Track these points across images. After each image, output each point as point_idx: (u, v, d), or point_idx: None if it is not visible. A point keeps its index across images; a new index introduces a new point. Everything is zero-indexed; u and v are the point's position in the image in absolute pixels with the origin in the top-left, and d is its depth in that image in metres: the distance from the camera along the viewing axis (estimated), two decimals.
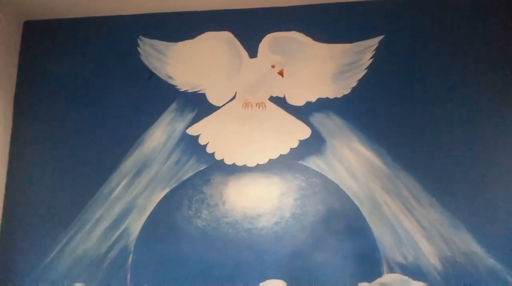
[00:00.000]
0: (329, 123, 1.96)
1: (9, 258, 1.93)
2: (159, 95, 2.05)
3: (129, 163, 1.98)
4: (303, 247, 1.84)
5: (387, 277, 1.78)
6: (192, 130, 2.00)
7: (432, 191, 1.83)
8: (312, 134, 1.95)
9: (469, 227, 1.78)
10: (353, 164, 1.91)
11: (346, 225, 1.85)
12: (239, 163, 1.95)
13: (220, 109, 2.03)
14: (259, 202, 1.91)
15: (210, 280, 1.83)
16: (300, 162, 1.94)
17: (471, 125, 1.90)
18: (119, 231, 1.91)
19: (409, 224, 1.82)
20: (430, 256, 1.78)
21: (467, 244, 1.78)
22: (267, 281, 1.82)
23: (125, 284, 1.86)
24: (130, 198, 1.95)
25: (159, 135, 2.00)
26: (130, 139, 2.01)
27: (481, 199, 1.82)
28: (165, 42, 2.11)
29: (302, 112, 1.98)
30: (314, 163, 1.93)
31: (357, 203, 1.87)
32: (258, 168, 1.94)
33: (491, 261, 1.76)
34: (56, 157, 2.04)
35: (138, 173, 1.97)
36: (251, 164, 1.95)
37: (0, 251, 1.94)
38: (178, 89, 2.05)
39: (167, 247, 1.88)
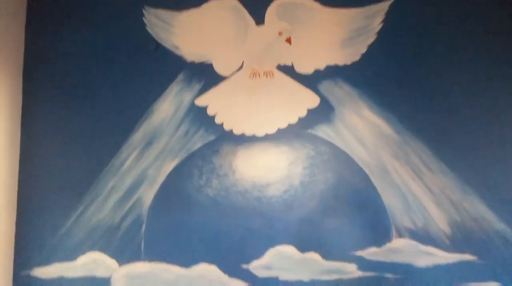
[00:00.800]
0: (338, 91, 1.93)
1: (26, 229, 2.00)
2: (165, 67, 2.03)
3: (138, 135, 2.00)
4: (312, 214, 1.87)
5: (396, 242, 1.80)
6: (200, 101, 1.99)
7: (442, 156, 1.82)
8: (320, 103, 1.93)
9: (479, 192, 1.78)
10: (362, 131, 1.89)
11: (355, 192, 1.86)
12: (248, 133, 1.95)
13: (228, 79, 2.01)
14: (268, 171, 1.93)
15: (221, 246, 1.88)
16: (309, 130, 1.93)
17: (483, 90, 1.86)
18: (131, 201, 1.96)
19: (419, 190, 1.82)
20: (439, 221, 1.79)
21: (477, 209, 1.78)
22: (277, 247, 1.86)
23: (139, 252, 1.92)
24: (141, 169, 1.98)
25: (167, 107, 2.00)
26: (139, 111, 2.01)
27: (492, 164, 1.80)
28: (170, 12, 2.07)
29: (310, 81, 1.95)
30: (323, 131, 1.92)
31: (366, 170, 1.87)
32: (267, 138, 1.94)
33: (501, 226, 1.76)
34: (66, 131, 2.05)
35: (147, 145, 1.99)
36: (259, 133, 1.95)
37: (17, 222, 2.01)
38: (185, 60, 2.03)
39: (179, 216, 1.92)
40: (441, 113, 1.86)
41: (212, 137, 1.96)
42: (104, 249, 1.95)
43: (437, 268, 1.76)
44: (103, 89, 2.06)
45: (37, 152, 2.06)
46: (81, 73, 2.10)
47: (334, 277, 1.81)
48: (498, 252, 1.75)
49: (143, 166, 1.98)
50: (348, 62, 1.94)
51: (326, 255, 1.83)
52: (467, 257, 1.76)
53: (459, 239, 1.77)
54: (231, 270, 1.87)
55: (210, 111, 1.98)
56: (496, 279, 1.74)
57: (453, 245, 1.77)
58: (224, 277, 1.87)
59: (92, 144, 2.02)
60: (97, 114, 2.05)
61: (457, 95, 1.87)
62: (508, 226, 1.76)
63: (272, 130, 1.94)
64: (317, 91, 1.94)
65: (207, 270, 1.88)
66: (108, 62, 2.09)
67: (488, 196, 1.78)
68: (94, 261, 1.94)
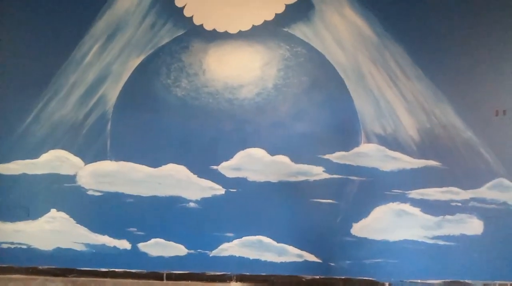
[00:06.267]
0: None
1: None
2: None
3: (100, 25, 1.82)
4: (284, 118, 1.83)
5: (363, 147, 1.81)
6: None
7: (419, 62, 1.77)
8: None
9: (451, 99, 1.78)
10: (342, 32, 1.79)
11: (328, 96, 1.81)
12: (220, 29, 1.81)
13: None
14: (241, 71, 1.83)
15: (190, 148, 1.85)
16: (286, 29, 1.80)
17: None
18: (95, 98, 1.85)
19: (392, 96, 1.79)
20: (409, 128, 1.80)
21: (448, 116, 1.79)
22: (247, 149, 1.85)
23: (105, 150, 1.87)
24: (104, 64, 1.84)
25: None
26: None
27: (467, 72, 1.78)
28: None
29: None
30: (300, 30, 1.80)
31: (342, 74, 1.80)
32: (240, 35, 1.81)
33: (468, 134, 1.79)
34: (21, 22, 1.86)
35: (110, 37, 1.83)
36: (232, 30, 1.81)
37: None
38: None
39: (147, 115, 1.85)
40: (423, 18, 1.77)
41: (181, 32, 1.81)
42: (68, 147, 1.88)
43: (402, 173, 1.81)
44: None
45: None
46: None
47: (301, 178, 1.84)
48: (461, 158, 1.80)
49: (106, 61, 1.84)
50: None
51: (295, 158, 1.84)
52: (432, 163, 1.80)
53: (426, 145, 1.80)
54: (200, 170, 1.87)
55: (178, 3, 1.80)
56: (456, 184, 1.82)
57: (420, 151, 1.80)
58: (193, 177, 1.87)
59: (50, 35, 1.84)
60: (55, 1, 1.84)
61: (443, 2, 1.77)
62: (475, 134, 1.79)
63: (246, 27, 1.80)
64: None
65: (175, 170, 1.87)
66: None
67: (459, 104, 1.78)
68: (58, 159, 1.89)
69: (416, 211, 1.83)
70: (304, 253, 1.90)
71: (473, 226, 1.86)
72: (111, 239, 1.93)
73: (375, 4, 1.76)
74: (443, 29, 1.77)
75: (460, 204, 1.84)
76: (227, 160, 1.86)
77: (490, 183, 1.82)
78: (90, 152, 1.88)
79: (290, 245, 1.90)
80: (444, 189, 1.82)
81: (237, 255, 1.91)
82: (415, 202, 1.83)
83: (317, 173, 1.84)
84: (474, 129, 1.78)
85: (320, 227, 1.88)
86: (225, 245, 1.91)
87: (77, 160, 1.89)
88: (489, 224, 1.83)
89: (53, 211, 1.93)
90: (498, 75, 1.78)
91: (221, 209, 1.88)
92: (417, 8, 1.76)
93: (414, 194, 1.83)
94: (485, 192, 1.83)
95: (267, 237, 1.90)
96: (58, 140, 1.87)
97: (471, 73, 1.78)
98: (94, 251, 1.94)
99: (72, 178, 1.90)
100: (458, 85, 1.77)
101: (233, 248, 1.91)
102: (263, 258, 1.91)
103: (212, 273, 1.92)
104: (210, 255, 1.91)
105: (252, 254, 1.91)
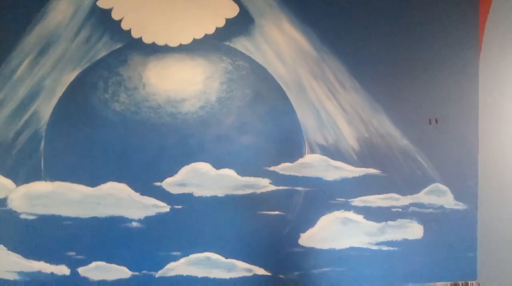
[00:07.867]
0: (258, 1, 1.80)
1: None
2: None
3: (31, 39, 1.72)
4: (228, 131, 1.82)
5: (307, 157, 1.84)
6: (103, 3, 1.74)
7: (356, 75, 1.84)
8: (240, 13, 1.79)
9: (387, 110, 1.86)
10: (281, 46, 1.82)
11: (271, 108, 1.83)
12: (160, 42, 1.78)
13: None
14: (183, 85, 1.81)
15: (131, 164, 1.79)
16: (227, 43, 1.81)
17: (402, 13, 1.86)
18: (27, 115, 1.74)
19: (332, 108, 1.84)
20: (349, 138, 1.86)
21: (384, 126, 1.86)
22: (192, 164, 1.82)
23: (39, 170, 1.75)
24: (36, 79, 1.74)
25: (65, 7, 1.72)
26: (30, 11, 1.72)
27: (401, 83, 1.87)
28: None
29: None
30: (241, 44, 1.81)
31: (284, 87, 1.83)
32: (182, 48, 1.79)
33: (404, 142, 1.88)
34: None
35: (42, 51, 1.73)
36: (173, 43, 1.79)
37: None
38: None
39: (83, 132, 1.76)
40: (359, 31, 1.84)
41: (118, 45, 1.76)
42: None
43: (344, 181, 1.86)
44: None
45: None
46: None
47: (248, 191, 1.83)
48: (399, 165, 1.88)
49: (38, 76, 1.74)
50: None
51: (241, 171, 1.83)
52: (372, 171, 1.87)
53: (366, 154, 1.86)
54: (143, 188, 1.80)
55: (115, 15, 1.75)
56: (395, 191, 1.89)
57: (360, 160, 1.86)
58: (135, 195, 1.80)
59: None
60: None
61: (378, 15, 1.85)
62: (410, 142, 1.87)
63: (187, 40, 1.78)
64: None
65: (116, 189, 1.79)
66: None
67: (395, 114, 1.86)
68: None
69: (359, 218, 1.88)
70: (253, 267, 1.88)
71: (414, 231, 1.93)
72: (47, 265, 1.80)
73: (312, 19, 1.81)
74: (377, 43, 1.85)
75: (400, 210, 1.91)
76: (171, 175, 1.81)
77: (427, 188, 1.92)
78: (22, 173, 1.75)
79: (239, 260, 1.87)
80: (385, 195, 1.89)
81: (185, 274, 1.85)
82: (358, 210, 1.88)
83: (264, 185, 1.83)
84: (410, 137, 1.87)
85: (268, 239, 1.88)
86: (171, 265, 1.84)
87: (7, 182, 1.75)
88: (428, 227, 1.92)
89: None
90: (430, 86, 1.89)
91: (166, 227, 1.82)
92: (352, 23, 1.84)
93: (357, 201, 1.88)
94: (423, 197, 1.92)
95: (215, 253, 1.86)
96: None
97: (405, 85, 1.87)
98: (28, 279, 1.80)
99: (2, 202, 1.76)
100: (393, 96, 1.86)
101: (180, 267, 1.84)
102: (211, 275, 1.87)
103: None
104: (156, 276, 1.84)
105: (200, 272, 1.85)
